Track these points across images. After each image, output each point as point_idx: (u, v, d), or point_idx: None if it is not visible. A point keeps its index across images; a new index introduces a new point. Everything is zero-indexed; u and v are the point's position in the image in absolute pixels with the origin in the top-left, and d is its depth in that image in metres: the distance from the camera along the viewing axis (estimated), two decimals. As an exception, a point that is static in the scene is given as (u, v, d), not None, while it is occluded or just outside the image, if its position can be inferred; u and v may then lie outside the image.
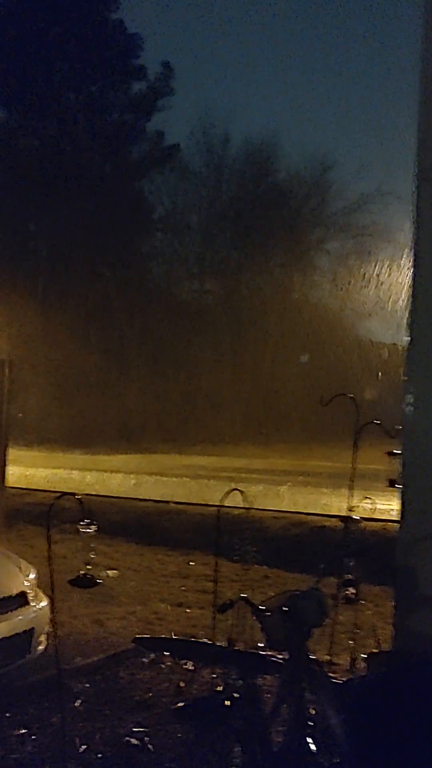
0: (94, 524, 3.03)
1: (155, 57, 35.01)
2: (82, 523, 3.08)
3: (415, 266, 4.30)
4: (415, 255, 4.32)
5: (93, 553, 3.06)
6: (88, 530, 3.04)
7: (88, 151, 32.02)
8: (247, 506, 4.79)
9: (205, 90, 49.45)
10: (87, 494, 11.63)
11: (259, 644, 3.62)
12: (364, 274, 27.03)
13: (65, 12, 31.55)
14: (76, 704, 4.56)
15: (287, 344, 28.56)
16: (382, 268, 24.72)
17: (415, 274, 4.29)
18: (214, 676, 4.51)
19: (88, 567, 3.10)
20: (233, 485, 4.47)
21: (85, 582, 3.08)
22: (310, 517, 10.12)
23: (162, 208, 33.94)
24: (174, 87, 33.75)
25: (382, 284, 24.31)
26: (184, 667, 5.23)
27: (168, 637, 5.93)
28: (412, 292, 4.30)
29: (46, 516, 3.39)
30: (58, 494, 3.23)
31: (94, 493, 12.07)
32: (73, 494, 3.13)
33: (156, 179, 33.83)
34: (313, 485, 14.51)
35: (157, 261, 34.21)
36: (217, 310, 31.22)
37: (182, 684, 4.89)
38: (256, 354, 29.38)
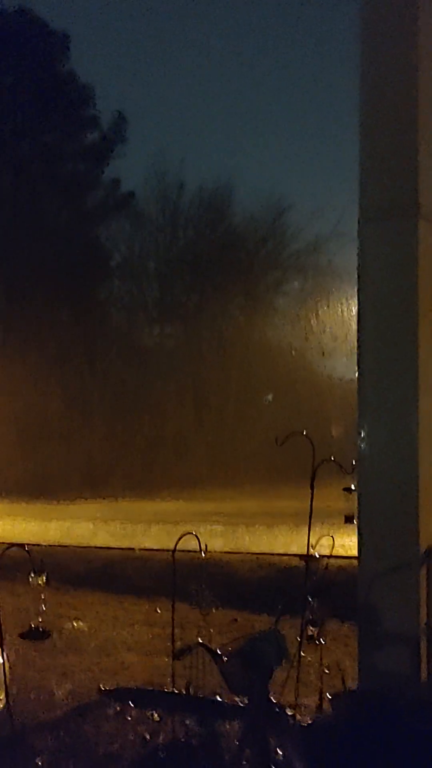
0: (43, 575, 2.99)
1: (107, 106, 35.37)
2: (32, 574, 3.03)
3: (359, 303, 4.38)
4: (359, 292, 4.40)
5: (44, 604, 3.01)
6: (38, 581, 3.00)
7: (43, 201, 32.15)
8: (209, 550, 4.77)
9: (158, 137, 50.15)
10: (50, 545, 11.56)
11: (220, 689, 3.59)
12: (323, 314, 27.33)
13: (16, 65, 31.92)
14: (39, 762, 4.44)
15: (250, 385, 28.66)
16: (339, 307, 25.07)
17: (359, 311, 4.37)
18: (181, 724, 4.44)
19: (39, 619, 3.05)
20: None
21: (36, 635, 3.03)
22: (275, 558, 10.09)
23: (119, 254, 34.08)
24: (127, 135, 34.16)
25: (340, 322, 24.63)
26: (150, 717, 5.13)
27: (133, 687, 5.83)
28: (358, 328, 4.37)
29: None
30: (7, 546, 3.19)
31: (57, 543, 11.93)
32: (23, 545, 3.09)
33: (112, 226, 34.04)
34: (280, 525, 14.46)
35: (116, 307, 34.25)
36: (178, 354, 31.29)
37: (148, 735, 4.80)
38: (219, 396, 29.43)
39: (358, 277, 4.38)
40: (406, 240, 4.27)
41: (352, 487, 4.60)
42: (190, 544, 4.69)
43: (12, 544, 3.19)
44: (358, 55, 4.63)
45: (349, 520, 4.62)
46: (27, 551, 3.05)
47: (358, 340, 4.36)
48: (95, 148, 34.01)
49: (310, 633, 4.68)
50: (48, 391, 26.82)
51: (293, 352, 28.51)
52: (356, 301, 4.43)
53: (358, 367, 4.41)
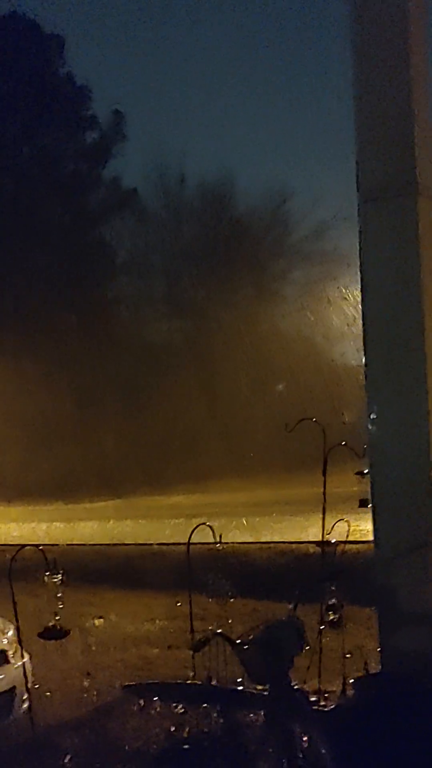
0: (59, 574, 2.99)
1: (105, 105, 35.28)
2: (47, 573, 3.02)
3: (362, 286, 4.34)
4: (362, 275, 4.37)
5: (61, 603, 3.01)
6: (54, 580, 2.99)
7: (45, 203, 32.13)
8: (227, 541, 4.77)
9: (157, 133, 49.95)
10: (69, 544, 11.59)
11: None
12: (331, 300, 27.20)
13: (12, 69, 31.92)
14: (66, 761, 4.45)
15: (261, 375, 28.57)
16: (346, 292, 24.95)
17: (363, 294, 4.33)
18: (204, 715, 4.44)
19: (57, 618, 3.05)
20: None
21: (54, 634, 3.02)
22: (294, 546, 10.07)
23: (124, 252, 33.99)
24: (126, 133, 34.07)
25: (348, 307, 24.53)
26: (175, 710, 5.13)
27: (156, 681, 5.83)
28: (363, 312, 4.34)
29: (11, 570, 3.35)
30: (20, 546, 3.18)
31: (77, 542, 11.96)
32: (37, 545, 3.09)
33: (116, 224, 33.91)
34: (296, 513, 14.44)
35: (124, 305, 34.17)
36: (188, 347, 31.24)
37: (173, 728, 4.80)
38: (230, 387, 29.36)
39: (360, 257, 4.34)
40: (406, 217, 4.23)
41: (365, 471, 4.58)
42: (209, 536, 4.68)
43: (24, 545, 3.18)
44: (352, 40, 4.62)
45: (363, 503, 4.59)
46: (41, 551, 3.05)
47: (363, 322, 4.33)
48: (95, 148, 33.97)
49: (330, 618, 4.66)
50: (59, 392, 26.83)
51: (303, 340, 28.42)
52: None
53: (365, 350, 4.38)
